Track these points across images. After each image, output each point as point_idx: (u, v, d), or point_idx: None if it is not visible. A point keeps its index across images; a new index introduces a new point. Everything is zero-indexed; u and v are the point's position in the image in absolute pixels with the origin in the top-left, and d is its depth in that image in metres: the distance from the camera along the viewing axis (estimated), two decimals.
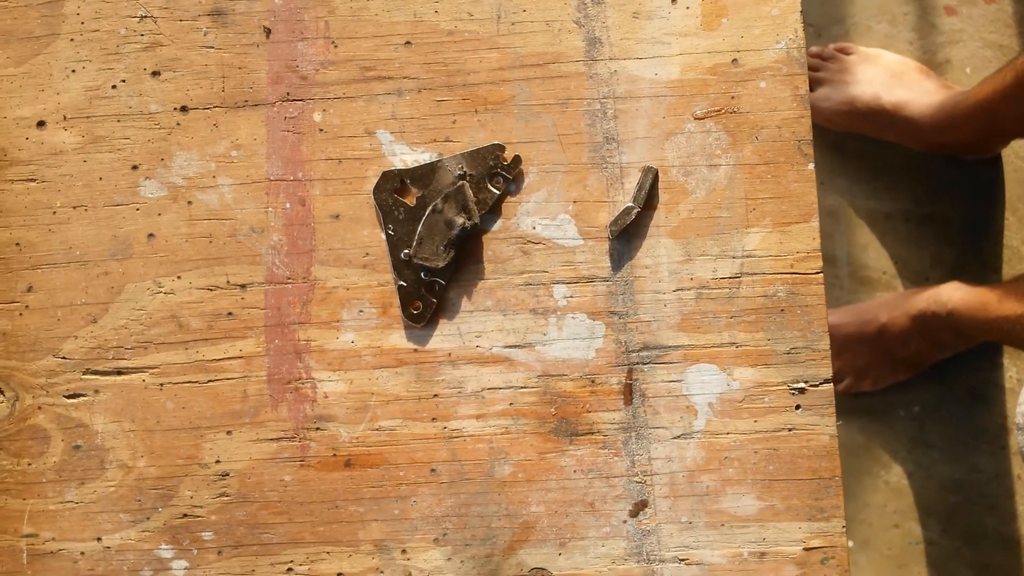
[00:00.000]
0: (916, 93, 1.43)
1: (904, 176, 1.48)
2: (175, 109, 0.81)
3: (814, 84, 1.45)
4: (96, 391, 0.81)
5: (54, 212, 0.81)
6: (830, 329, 1.40)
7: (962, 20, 1.50)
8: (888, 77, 1.44)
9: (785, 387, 0.79)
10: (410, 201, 0.80)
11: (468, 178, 0.80)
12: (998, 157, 1.49)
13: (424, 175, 0.80)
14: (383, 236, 0.80)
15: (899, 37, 1.51)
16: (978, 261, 1.48)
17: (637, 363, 0.79)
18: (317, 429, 0.80)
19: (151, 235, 0.81)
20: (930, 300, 1.37)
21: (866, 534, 1.43)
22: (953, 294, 1.35)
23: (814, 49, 1.46)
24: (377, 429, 0.80)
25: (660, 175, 0.79)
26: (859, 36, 1.51)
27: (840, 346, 1.42)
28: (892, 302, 1.43)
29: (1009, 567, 1.44)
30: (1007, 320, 1.26)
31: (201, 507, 0.80)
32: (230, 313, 0.81)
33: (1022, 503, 1.45)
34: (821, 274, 0.78)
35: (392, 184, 0.80)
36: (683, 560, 0.79)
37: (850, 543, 1.41)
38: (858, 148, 1.48)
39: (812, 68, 1.46)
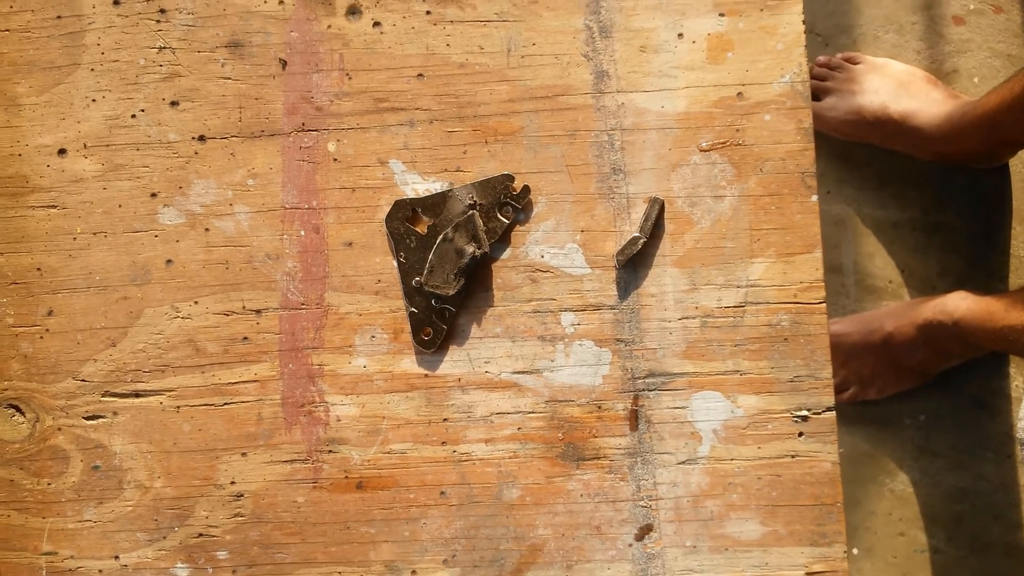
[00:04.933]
0: (923, 103, 1.43)
1: (911, 185, 1.48)
2: (193, 138, 0.83)
3: (821, 94, 1.45)
4: (115, 413, 0.83)
5: (74, 238, 0.83)
6: (835, 337, 1.41)
7: (970, 30, 1.50)
8: (895, 87, 1.44)
9: (788, 414, 0.80)
10: (421, 230, 0.82)
11: (478, 207, 0.81)
12: (1005, 166, 1.49)
13: (435, 204, 0.82)
14: (395, 264, 0.82)
15: (907, 47, 1.51)
16: (985, 271, 1.48)
17: (643, 390, 0.81)
18: (330, 452, 0.82)
19: (169, 261, 0.83)
20: (936, 309, 1.38)
21: (871, 542, 1.45)
22: (959, 303, 1.35)
23: (821, 59, 1.47)
24: (388, 452, 0.82)
25: (666, 206, 0.81)
26: (866, 46, 1.51)
27: (846, 355, 1.43)
28: (898, 311, 1.43)
29: None
30: (1013, 330, 1.26)
31: (216, 527, 0.82)
32: (246, 338, 0.82)
33: None
34: (824, 304, 0.80)
35: (404, 213, 0.82)
36: None
37: (854, 551, 1.42)
38: (865, 157, 1.49)
39: (819, 78, 1.46)
